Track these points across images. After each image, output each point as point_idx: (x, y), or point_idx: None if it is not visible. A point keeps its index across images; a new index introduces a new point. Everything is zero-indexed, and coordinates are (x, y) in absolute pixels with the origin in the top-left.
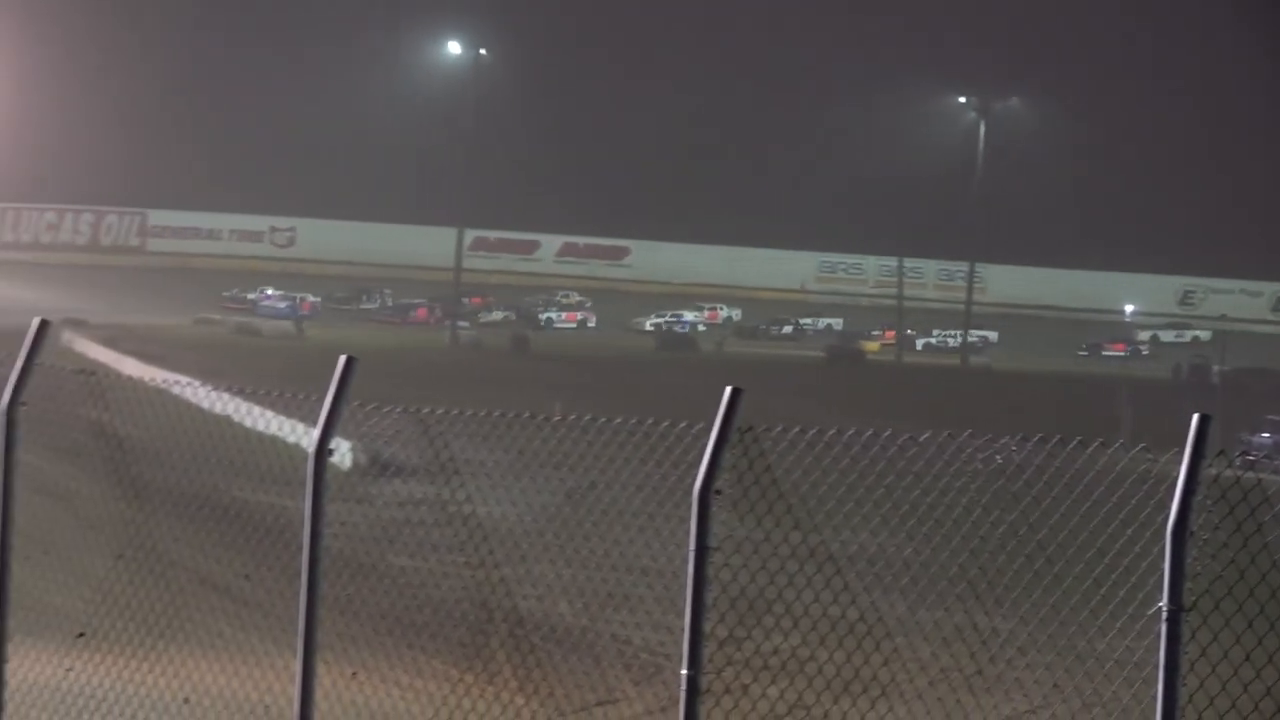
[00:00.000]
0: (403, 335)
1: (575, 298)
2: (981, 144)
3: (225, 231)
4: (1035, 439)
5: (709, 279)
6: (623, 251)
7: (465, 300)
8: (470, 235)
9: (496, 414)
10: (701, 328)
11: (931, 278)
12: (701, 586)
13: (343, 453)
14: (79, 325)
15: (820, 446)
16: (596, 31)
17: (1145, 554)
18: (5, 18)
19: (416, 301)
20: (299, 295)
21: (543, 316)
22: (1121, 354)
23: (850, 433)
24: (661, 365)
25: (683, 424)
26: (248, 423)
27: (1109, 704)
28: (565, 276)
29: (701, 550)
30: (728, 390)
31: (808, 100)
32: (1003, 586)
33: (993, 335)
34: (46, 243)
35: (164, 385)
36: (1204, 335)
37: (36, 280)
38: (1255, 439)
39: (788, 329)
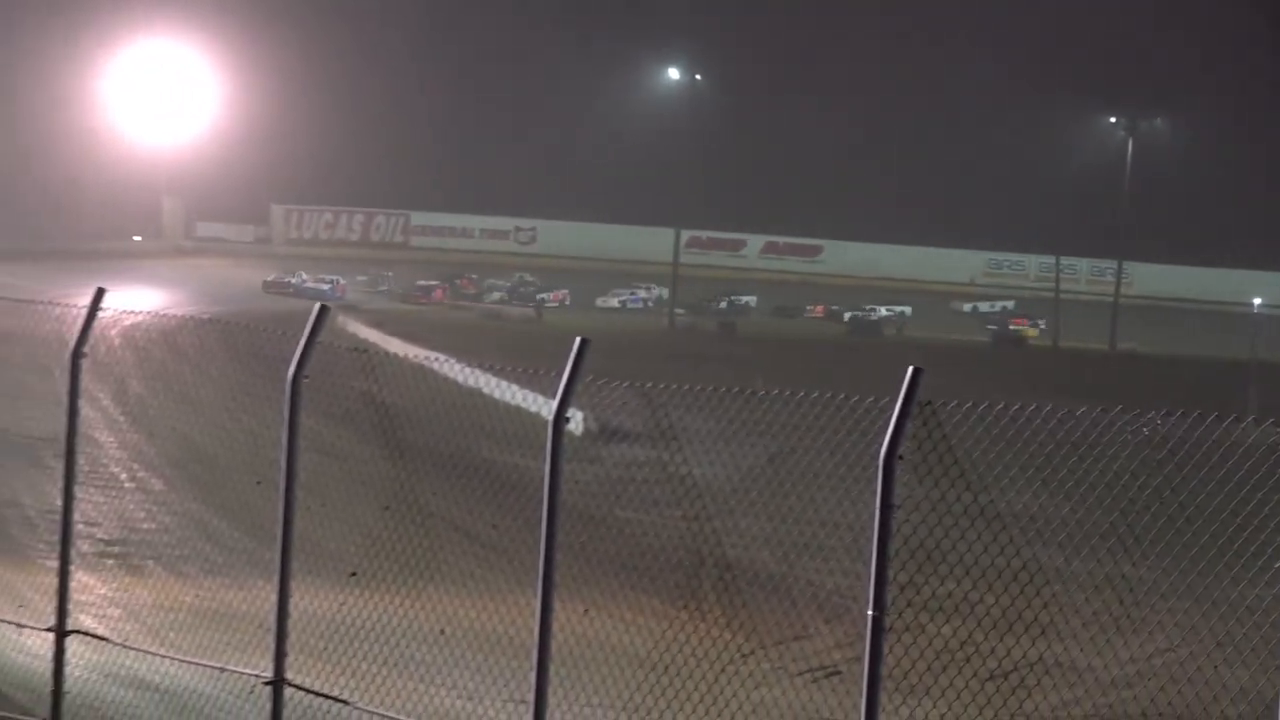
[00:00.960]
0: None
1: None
2: (1129, 155)
3: (476, 230)
4: (1177, 414)
5: (891, 274)
6: (817, 249)
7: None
8: (686, 235)
9: (709, 388)
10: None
11: (1084, 273)
12: (886, 539)
13: (576, 421)
14: (351, 310)
15: (989, 419)
16: (797, 54)
17: (1274, 515)
18: (288, 38)
19: (433, 283)
20: (336, 278)
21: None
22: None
23: (1015, 407)
24: (850, 349)
25: (870, 398)
26: (496, 394)
27: (1239, 644)
28: (765, 271)
29: (886, 508)
30: (910, 370)
31: (978, 115)
32: (1147, 542)
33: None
34: (324, 239)
35: (424, 361)
36: None
37: (316, 271)
38: None
39: (969, 307)
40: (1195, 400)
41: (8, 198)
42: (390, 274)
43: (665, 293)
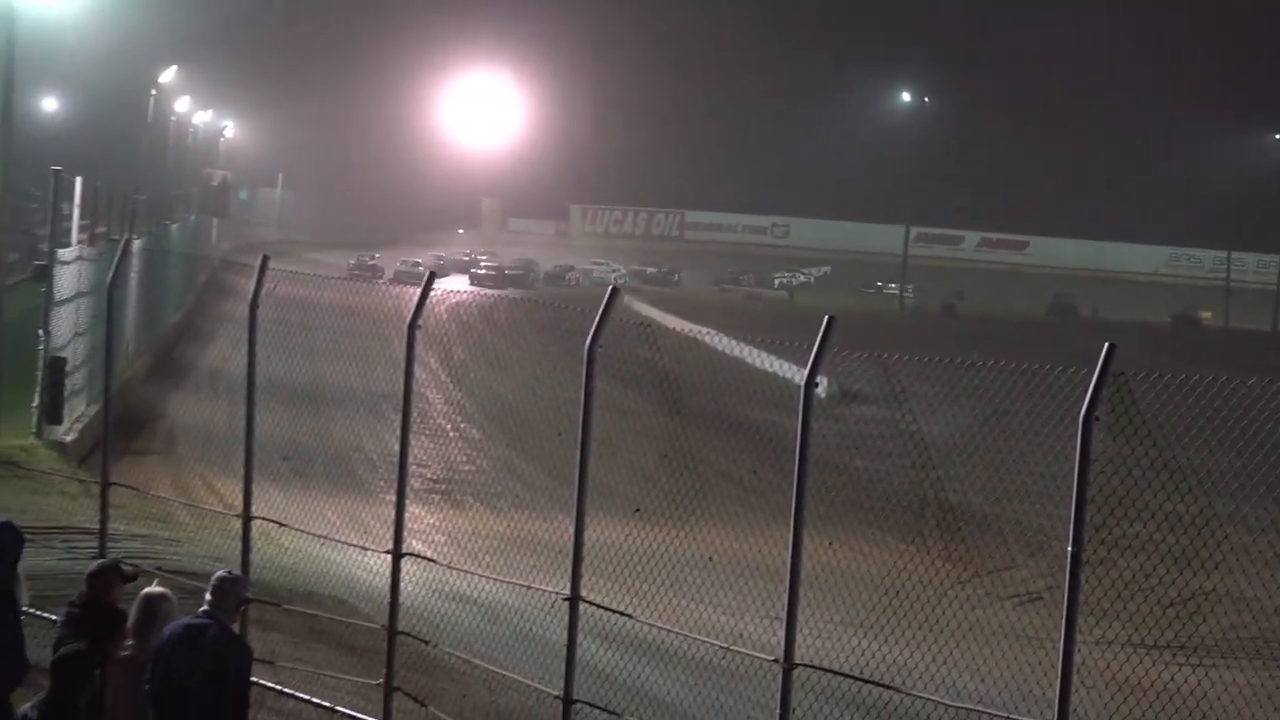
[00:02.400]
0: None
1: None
2: None
3: (739, 226)
4: None
5: (1086, 264)
6: (1024, 244)
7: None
8: (914, 231)
9: (935, 359)
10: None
11: (1251, 265)
12: (1084, 486)
13: (823, 385)
14: (633, 291)
15: (1172, 387)
16: (1009, 78)
17: None
18: (583, 66)
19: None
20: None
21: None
22: None
23: (1195, 377)
24: (1049, 326)
25: (1071, 369)
26: (754, 363)
27: None
28: (981, 261)
29: (1084, 460)
30: (1106, 345)
31: (1164, 129)
32: None
33: None
34: (613, 233)
35: (695, 335)
36: None
37: (604, 259)
38: None
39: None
40: None
41: (363, 198)
42: (664, 267)
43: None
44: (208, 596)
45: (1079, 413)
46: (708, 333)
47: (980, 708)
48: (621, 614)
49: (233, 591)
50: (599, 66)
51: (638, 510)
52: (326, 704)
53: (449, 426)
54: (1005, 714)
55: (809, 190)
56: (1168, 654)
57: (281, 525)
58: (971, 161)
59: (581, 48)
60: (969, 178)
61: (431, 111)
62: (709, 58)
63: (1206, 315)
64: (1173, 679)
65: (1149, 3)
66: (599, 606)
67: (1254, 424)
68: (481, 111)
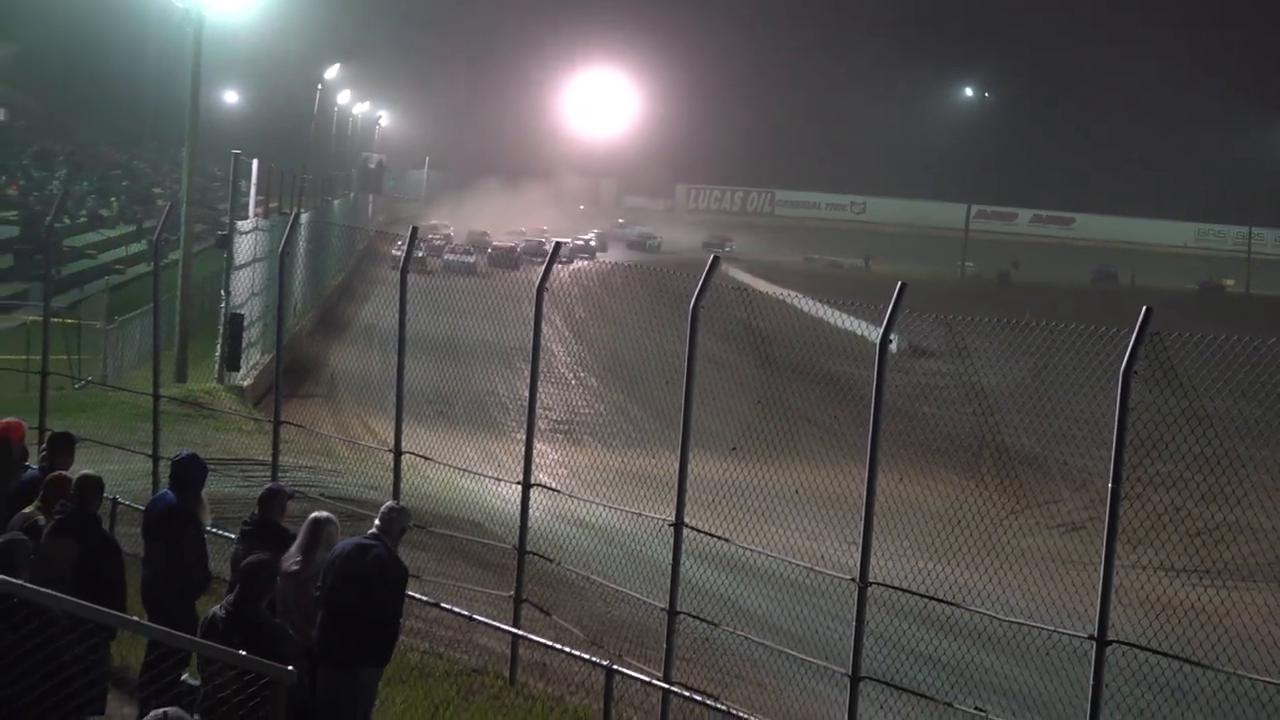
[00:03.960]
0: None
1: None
2: None
3: (822, 204)
4: None
5: (1125, 238)
6: (1070, 220)
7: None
8: (975, 209)
9: (994, 320)
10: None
11: (1270, 240)
12: (1123, 431)
13: (895, 342)
14: (733, 259)
15: (1200, 345)
16: (1058, 71)
17: None
18: (687, 61)
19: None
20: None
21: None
22: None
23: (1220, 337)
24: (1093, 293)
25: (1113, 329)
26: (835, 322)
27: None
28: (1032, 235)
29: (1123, 408)
30: (1144, 309)
31: (1194, 117)
32: None
33: None
34: (714, 209)
35: (783, 297)
36: None
37: (704, 232)
38: None
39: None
40: None
41: (497, 178)
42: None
43: None
44: (376, 523)
45: (1120, 367)
46: (794, 295)
47: (1030, 622)
48: (719, 538)
49: (398, 520)
50: (701, 60)
51: (734, 449)
52: (465, 613)
53: (571, 376)
54: (1051, 628)
55: (885, 171)
56: (1194, 577)
57: (427, 459)
58: (1025, 145)
59: (685, 43)
60: (1023, 160)
61: (556, 102)
62: (799, 52)
63: (1229, 283)
64: (1198, 599)
65: None
66: (700, 531)
67: (1273, 378)
68: (599, 102)
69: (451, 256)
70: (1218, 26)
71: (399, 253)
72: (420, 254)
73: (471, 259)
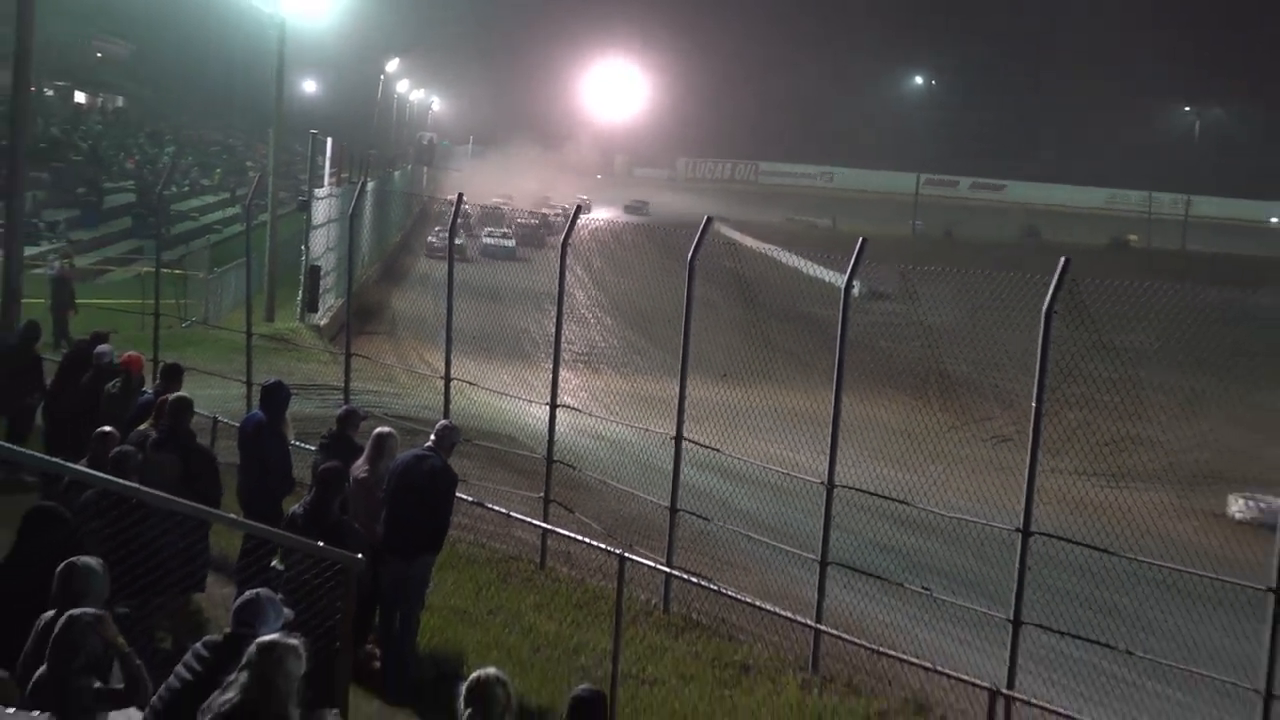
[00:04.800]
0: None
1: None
2: (1197, 130)
3: (797, 173)
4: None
5: (1046, 202)
6: (1002, 186)
7: None
8: (923, 177)
9: (939, 269)
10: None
11: (1166, 202)
12: (1045, 360)
13: (857, 288)
14: (721, 220)
15: (1109, 289)
16: (994, 57)
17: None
18: (687, 49)
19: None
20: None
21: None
22: None
23: (1126, 283)
24: (1021, 248)
25: (1036, 276)
26: (808, 271)
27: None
28: (972, 199)
29: (1046, 341)
30: (1062, 259)
31: (1108, 98)
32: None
33: None
34: (706, 178)
35: (764, 251)
36: None
37: (700, 197)
38: None
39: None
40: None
41: (529, 154)
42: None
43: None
44: (432, 437)
45: (1042, 307)
46: (775, 249)
47: (967, 517)
48: (712, 449)
49: (449, 437)
50: (699, 49)
51: (724, 376)
52: (503, 511)
53: (590, 316)
54: (985, 521)
55: (851, 145)
56: (1102, 480)
57: (472, 384)
58: (964, 122)
59: (687, 35)
60: (963, 135)
61: (579, 88)
62: (783, 44)
63: (1134, 239)
64: (1106, 498)
65: None
66: (696, 443)
67: (1168, 316)
68: (615, 87)
69: (490, 240)
70: (1130, 24)
71: (446, 219)
72: (460, 241)
73: (511, 243)
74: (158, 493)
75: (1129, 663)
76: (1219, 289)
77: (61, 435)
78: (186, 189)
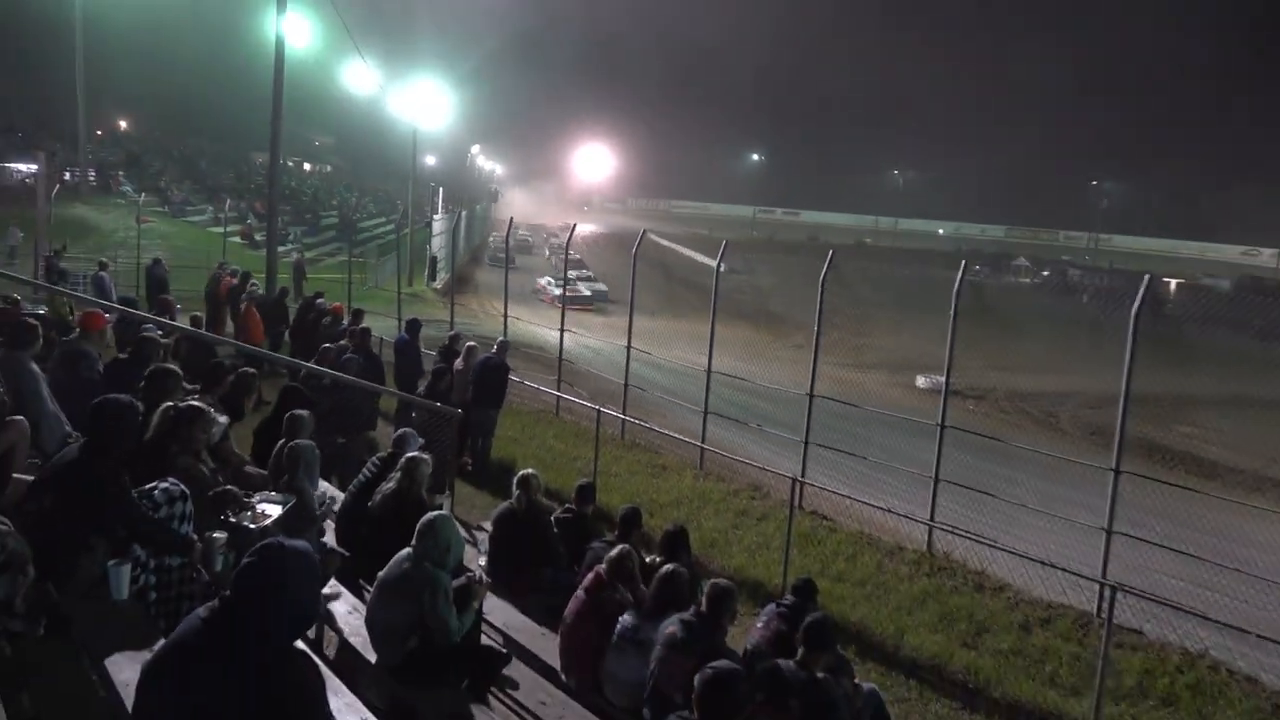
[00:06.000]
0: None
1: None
2: None
3: (689, 205)
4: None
5: (826, 222)
6: (797, 213)
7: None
8: (757, 208)
9: (767, 254)
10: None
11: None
12: (822, 301)
13: (723, 266)
14: (650, 230)
15: (852, 266)
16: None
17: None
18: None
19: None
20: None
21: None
22: None
23: (862, 266)
24: (813, 245)
25: (819, 260)
26: (697, 259)
27: None
28: (782, 221)
29: (822, 293)
30: (830, 252)
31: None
32: None
33: None
34: (642, 209)
35: (674, 247)
36: None
37: (639, 219)
38: None
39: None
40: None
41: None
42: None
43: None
44: (494, 347)
45: (820, 275)
46: (679, 247)
47: (782, 387)
48: (646, 352)
49: (505, 346)
50: (640, 127)
51: (654, 313)
52: (534, 385)
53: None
54: (790, 389)
55: (720, 188)
56: (852, 368)
57: (517, 319)
58: (778, 171)
59: (634, 116)
60: (779, 177)
61: (573, 153)
62: (682, 113)
63: (869, 241)
64: (853, 377)
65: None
66: (639, 350)
67: (886, 283)
68: (592, 152)
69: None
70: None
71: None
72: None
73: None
74: (351, 378)
75: (867, 464)
76: (915, 268)
77: (300, 348)
78: (364, 215)
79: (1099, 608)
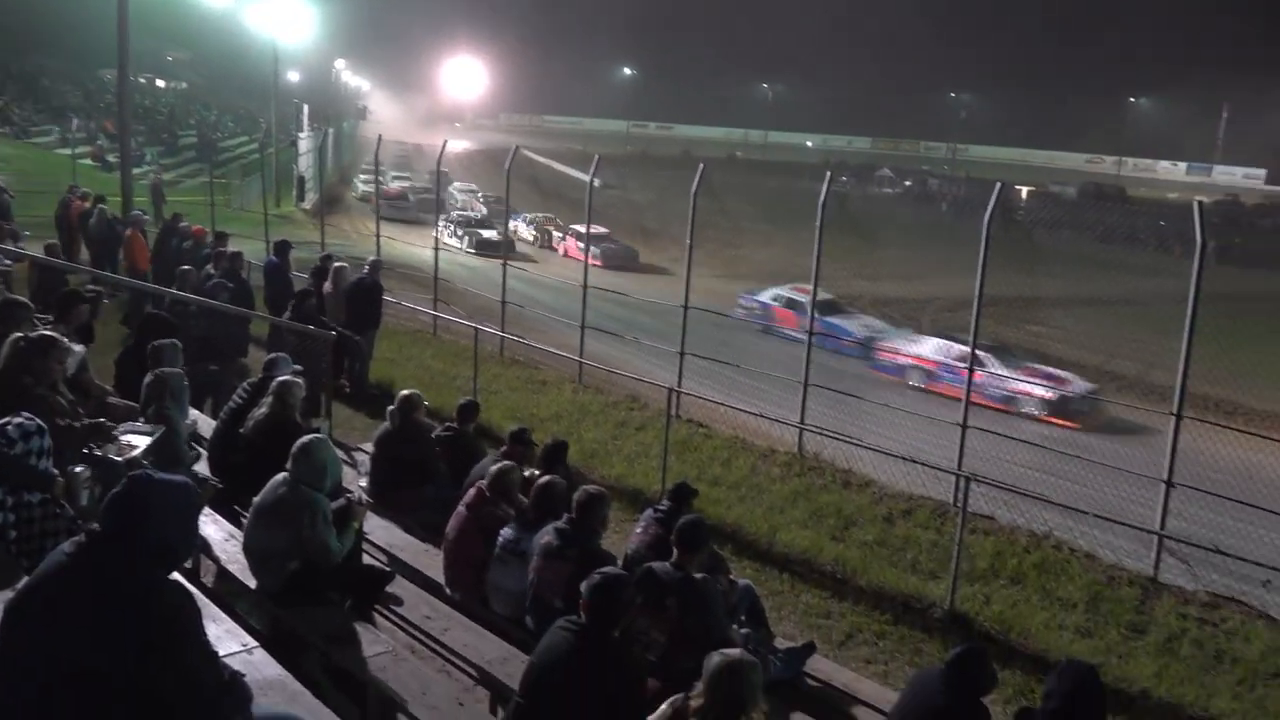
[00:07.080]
0: None
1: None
2: None
3: (564, 121)
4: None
5: (700, 136)
6: (671, 128)
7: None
8: (631, 122)
9: (641, 169)
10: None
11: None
12: (694, 215)
13: (598, 181)
14: (523, 147)
15: (727, 178)
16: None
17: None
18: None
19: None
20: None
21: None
22: None
23: (741, 179)
24: (684, 159)
25: (689, 173)
26: (570, 174)
27: None
28: (656, 135)
29: (693, 207)
30: (700, 166)
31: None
32: None
33: None
34: (514, 125)
35: (546, 163)
36: None
37: (511, 135)
38: None
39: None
40: None
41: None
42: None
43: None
44: (365, 266)
45: (692, 189)
46: (552, 162)
47: (662, 301)
48: (521, 269)
49: (378, 265)
50: (515, 42)
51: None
52: (409, 305)
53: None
54: (668, 303)
55: (592, 101)
56: (724, 279)
57: (391, 239)
58: (658, 83)
59: (508, 30)
60: (655, 90)
61: (446, 69)
62: (554, 33)
63: (739, 154)
64: (723, 288)
65: None
66: (514, 265)
67: (756, 194)
68: (465, 67)
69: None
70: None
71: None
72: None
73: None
74: (217, 303)
75: (738, 371)
76: (784, 180)
77: (163, 274)
78: (225, 134)
79: (955, 497)
